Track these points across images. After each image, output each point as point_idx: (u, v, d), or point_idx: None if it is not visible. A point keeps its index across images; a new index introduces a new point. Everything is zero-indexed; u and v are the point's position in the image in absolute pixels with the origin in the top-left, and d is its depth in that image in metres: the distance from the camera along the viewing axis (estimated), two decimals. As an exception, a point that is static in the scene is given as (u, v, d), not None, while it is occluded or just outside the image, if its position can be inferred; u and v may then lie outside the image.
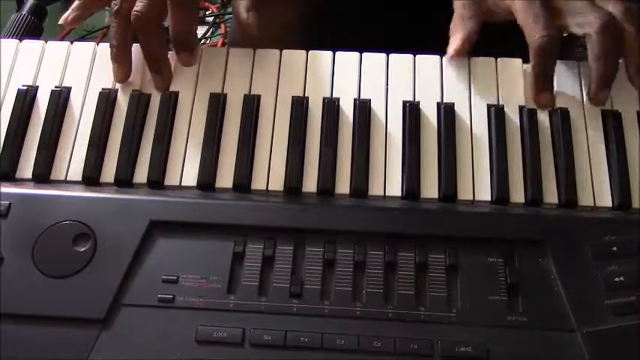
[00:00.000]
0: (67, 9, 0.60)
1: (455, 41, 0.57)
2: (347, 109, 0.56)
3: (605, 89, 0.55)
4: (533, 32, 0.54)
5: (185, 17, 0.56)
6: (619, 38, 0.54)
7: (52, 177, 0.54)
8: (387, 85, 0.57)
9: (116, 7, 0.56)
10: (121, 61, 0.57)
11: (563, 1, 0.55)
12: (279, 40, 0.61)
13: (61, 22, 0.60)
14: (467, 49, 0.57)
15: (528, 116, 0.55)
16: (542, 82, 0.56)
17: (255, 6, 0.59)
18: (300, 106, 0.56)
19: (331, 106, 0.56)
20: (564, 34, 0.56)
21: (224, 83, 0.58)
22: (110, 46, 0.57)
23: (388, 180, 0.53)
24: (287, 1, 0.78)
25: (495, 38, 0.56)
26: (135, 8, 0.55)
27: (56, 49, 0.60)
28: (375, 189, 0.53)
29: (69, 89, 0.58)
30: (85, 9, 0.60)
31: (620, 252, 0.47)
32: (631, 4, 0.56)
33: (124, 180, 0.54)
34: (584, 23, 0.54)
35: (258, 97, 0.57)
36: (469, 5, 0.58)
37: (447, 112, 0.55)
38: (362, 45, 0.59)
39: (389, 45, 0.59)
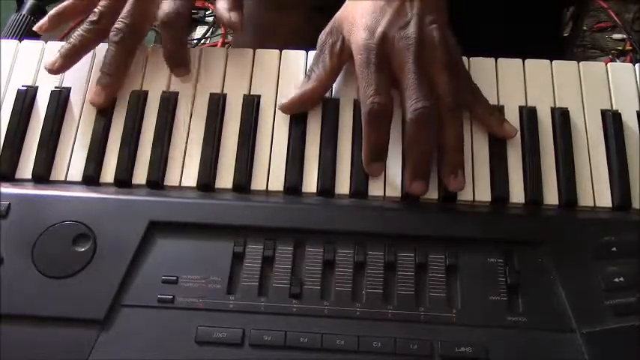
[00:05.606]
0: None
1: (290, 96, 0.55)
2: (347, 109, 0.56)
3: (419, 180, 0.51)
4: (364, 97, 0.51)
5: (175, 38, 0.57)
6: (428, 132, 0.50)
7: (52, 177, 0.54)
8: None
9: (94, 18, 0.57)
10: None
11: (400, 72, 0.51)
12: (288, 42, 0.60)
13: (35, 29, 0.60)
14: (295, 109, 0.55)
15: (528, 116, 0.55)
16: (371, 153, 0.52)
17: (236, 6, 0.59)
18: (300, 106, 0.56)
19: (331, 107, 0.56)
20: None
21: (224, 83, 0.58)
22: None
23: (388, 180, 0.53)
24: (291, 4, 0.78)
25: (495, 38, 0.56)
26: (116, 26, 0.56)
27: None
28: (375, 189, 0.53)
29: (69, 89, 0.58)
30: (60, 19, 0.60)
31: (620, 252, 0.47)
32: (456, 97, 0.51)
33: (123, 180, 0.54)
34: (404, 104, 0.51)
35: (258, 97, 0.57)
36: (321, 60, 0.55)
37: (447, 112, 0.55)
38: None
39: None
